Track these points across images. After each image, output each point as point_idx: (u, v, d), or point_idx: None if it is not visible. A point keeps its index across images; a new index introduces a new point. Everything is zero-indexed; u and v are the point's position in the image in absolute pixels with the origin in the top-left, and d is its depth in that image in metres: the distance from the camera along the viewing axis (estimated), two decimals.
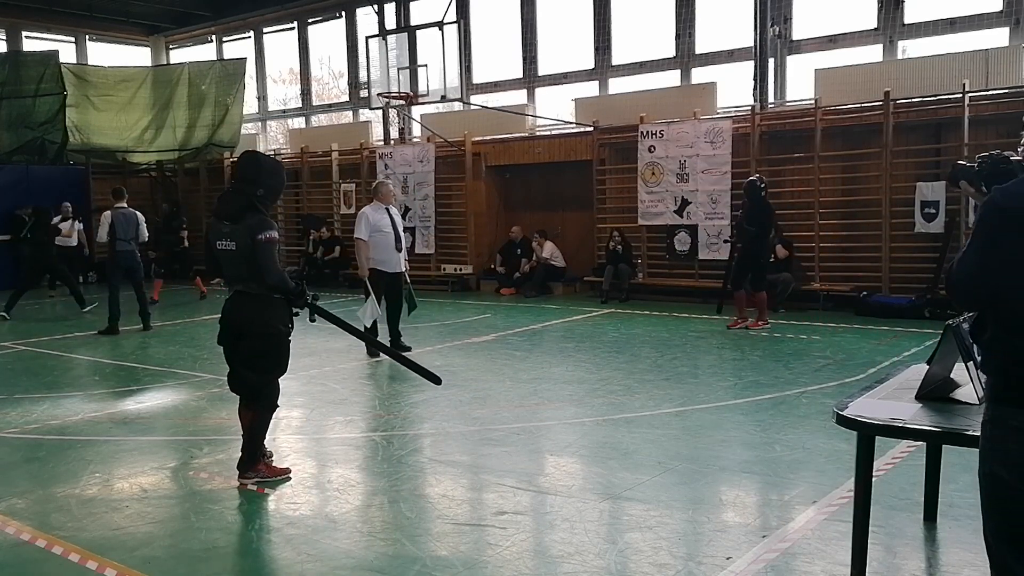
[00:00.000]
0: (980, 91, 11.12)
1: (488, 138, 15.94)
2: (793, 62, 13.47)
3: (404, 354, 9.13)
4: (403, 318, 9.40)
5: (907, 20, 12.39)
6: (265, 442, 5.16)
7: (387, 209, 9.19)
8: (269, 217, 4.92)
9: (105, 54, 21.67)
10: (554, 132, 15.57)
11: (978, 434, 2.89)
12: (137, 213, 11.33)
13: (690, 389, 7.30)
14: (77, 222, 15.57)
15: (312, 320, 5.10)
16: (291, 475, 5.12)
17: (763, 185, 10.34)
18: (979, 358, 2.57)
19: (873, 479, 3.47)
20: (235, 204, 4.87)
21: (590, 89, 15.51)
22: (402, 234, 9.27)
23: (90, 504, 4.72)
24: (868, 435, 3.30)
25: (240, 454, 5.05)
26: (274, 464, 5.18)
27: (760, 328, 10.31)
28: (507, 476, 5.05)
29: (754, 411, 6.49)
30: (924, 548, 3.97)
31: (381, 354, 9.06)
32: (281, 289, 4.87)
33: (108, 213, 11.11)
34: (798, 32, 13.39)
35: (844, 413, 3.27)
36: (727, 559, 3.78)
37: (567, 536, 4.10)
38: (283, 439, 5.93)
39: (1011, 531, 2.36)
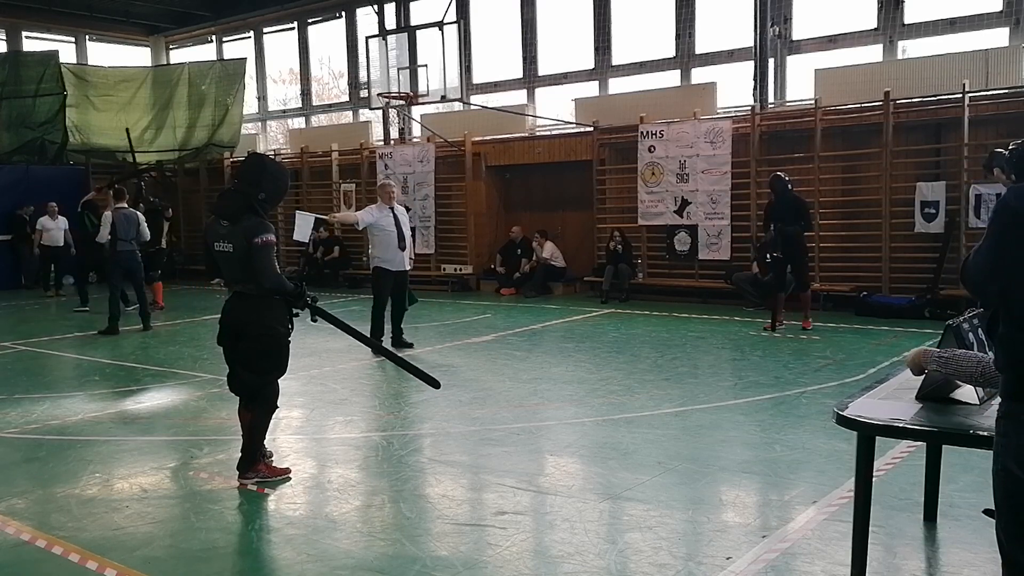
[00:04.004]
0: (980, 91, 11.12)
1: (488, 138, 15.94)
2: (793, 62, 13.48)
3: (406, 353, 9.23)
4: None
5: (907, 20, 12.39)
6: (265, 442, 5.16)
7: (391, 209, 9.23)
8: (267, 220, 4.91)
9: (105, 54, 21.68)
10: (554, 132, 15.57)
11: (978, 434, 2.90)
12: (138, 213, 11.35)
13: (690, 389, 7.30)
14: (53, 219, 15.35)
15: (313, 320, 5.11)
16: (291, 475, 5.12)
17: (788, 179, 10.22)
18: (992, 355, 2.58)
19: (873, 479, 3.47)
20: (234, 204, 4.85)
21: (590, 89, 15.51)
22: (407, 233, 9.30)
23: (90, 504, 4.72)
24: (868, 435, 3.29)
25: (240, 455, 5.05)
26: (274, 464, 5.18)
27: (810, 327, 10.11)
28: (507, 476, 5.05)
29: (754, 411, 6.49)
30: (924, 548, 3.97)
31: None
32: (279, 291, 4.87)
33: (108, 214, 11.12)
34: (798, 32, 13.39)
35: (844, 413, 3.27)
36: (727, 559, 3.78)
37: (567, 536, 4.10)
38: (283, 439, 5.93)
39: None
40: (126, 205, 11.24)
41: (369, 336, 9.18)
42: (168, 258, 15.17)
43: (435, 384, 5.48)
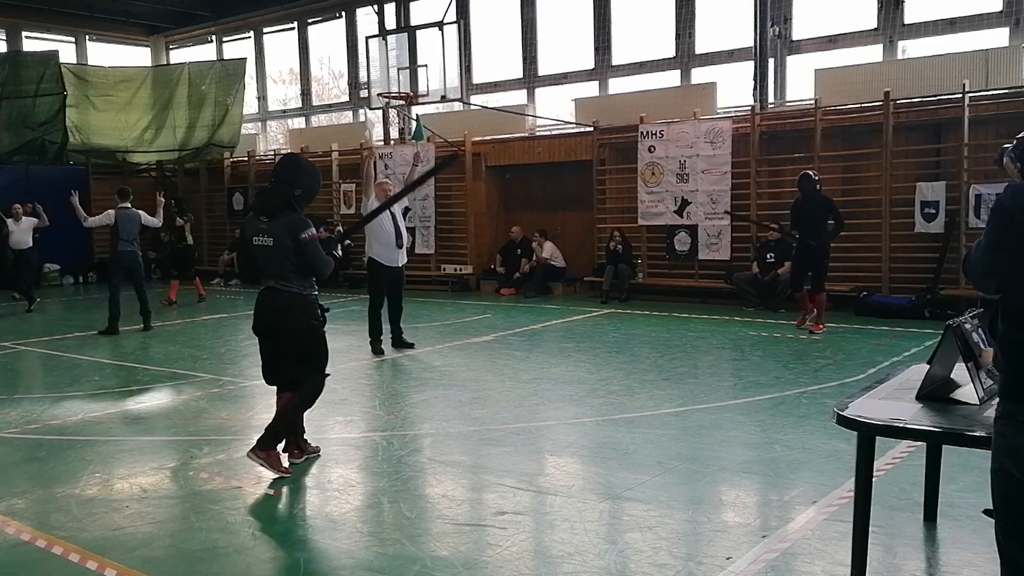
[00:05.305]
0: (980, 91, 11.12)
1: (488, 138, 15.94)
2: (793, 62, 13.48)
3: (407, 351, 9.27)
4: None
5: (907, 20, 12.39)
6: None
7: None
8: (305, 216, 5.13)
9: (105, 54, 21.68)
10: (554, 132, 15.56)
11: (978, 434, 2.91)
12: (140, 212, 11.36)
13: (690, 389, 7.29)
14: (17, 221, 14.55)
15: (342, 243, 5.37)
16: (291, 475, 5.12)
17: (817, 178, 10.17)
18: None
19: (873, 479, 3.47)
20: (273, 201, 5.08)
21: (590, 89, 15.51)
22: (403, 231, 9.33)
23: (90, 504, 4.72)
24: (868, 435, 3.29)
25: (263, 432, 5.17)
26: (285, 460, 5.25)
27: (821, 332, 9.92)
28: (507, 476, 5.05)
29: (754, 411, 6.49)
30: (924, 548, 3.96)
31: (383, 353, 9.12)
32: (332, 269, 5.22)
33: (111, 212, 11.15)
34: (798, 32, 13.39)
35: (844, 413, 3.27)
36: (727, 559, 3.78)
37: (567, 536, 4.10)
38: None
39: (1022, 527, 2.37)
40: (129, 205, 11.25)
41: (369, 333, 9.29)
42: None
43: (453, 158, 5.86)
